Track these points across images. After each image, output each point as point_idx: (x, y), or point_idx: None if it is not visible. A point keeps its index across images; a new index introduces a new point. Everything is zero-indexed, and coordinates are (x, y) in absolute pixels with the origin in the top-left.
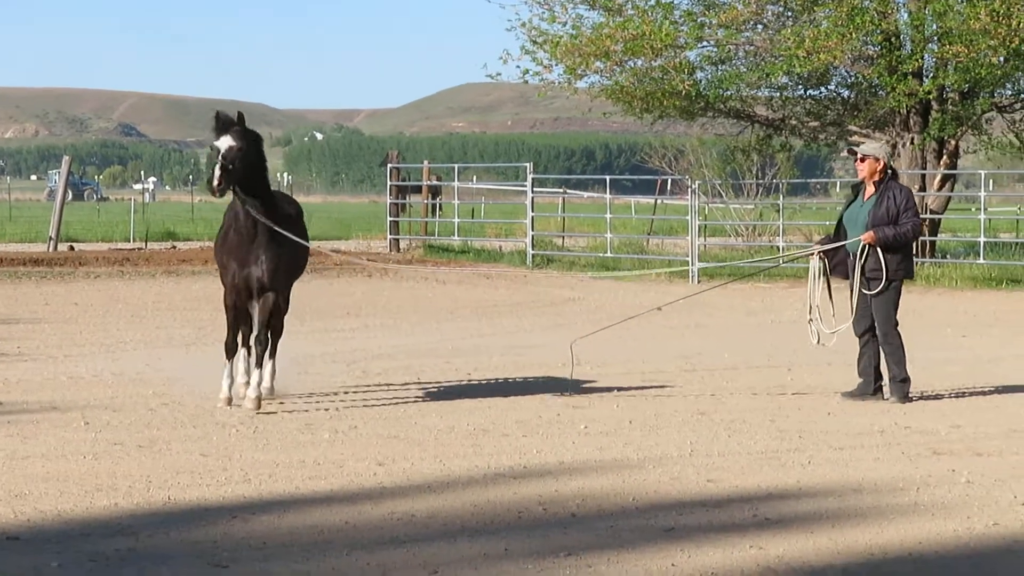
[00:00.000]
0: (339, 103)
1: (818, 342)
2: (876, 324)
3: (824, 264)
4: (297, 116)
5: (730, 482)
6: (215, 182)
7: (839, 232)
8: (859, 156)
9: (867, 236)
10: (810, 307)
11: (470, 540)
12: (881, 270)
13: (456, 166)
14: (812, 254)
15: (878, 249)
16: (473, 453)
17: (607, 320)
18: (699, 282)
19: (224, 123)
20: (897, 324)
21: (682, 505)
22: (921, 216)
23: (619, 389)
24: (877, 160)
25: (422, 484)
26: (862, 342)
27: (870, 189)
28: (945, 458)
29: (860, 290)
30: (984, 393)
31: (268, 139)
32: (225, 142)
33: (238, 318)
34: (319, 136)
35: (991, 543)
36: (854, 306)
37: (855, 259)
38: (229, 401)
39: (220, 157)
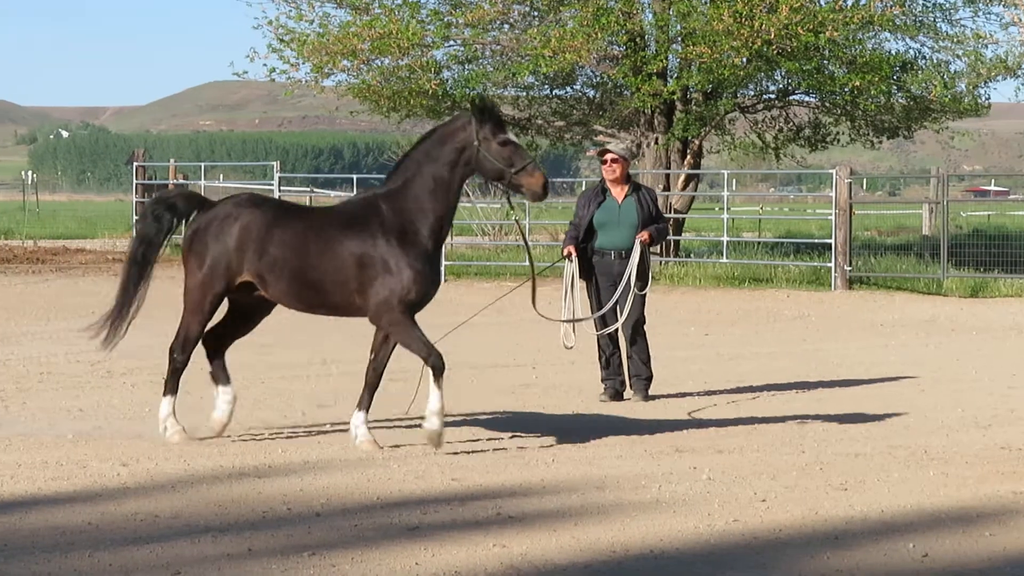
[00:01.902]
0: (85, 100)
1: (571, 345)
2: (632, 322)
3: (578, 266)
4: (42, 114)
5: (474, 480)
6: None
7: (590, 234)
8: (614, 157)
9: (645, 235)
10: (564, 309)
11: (214, 540)
12: (646, 269)
13: (203, 164)
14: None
15: (647, 248)
16: (218, 453)
17: (355, 320)
18: (446, 280)
19: (496, 112)
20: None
21: (426, 503)
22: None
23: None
24: (627, 161)
25: (166, 484)
26: (614, 342)
27: (621, 190)
28: (687, 455)
29: (635, 289)
30: (725, 391)
31: (13, 137)
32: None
33: None
34: (65, 134)
35: (731, 539)
36: (628, 305)
37: (625, 258)
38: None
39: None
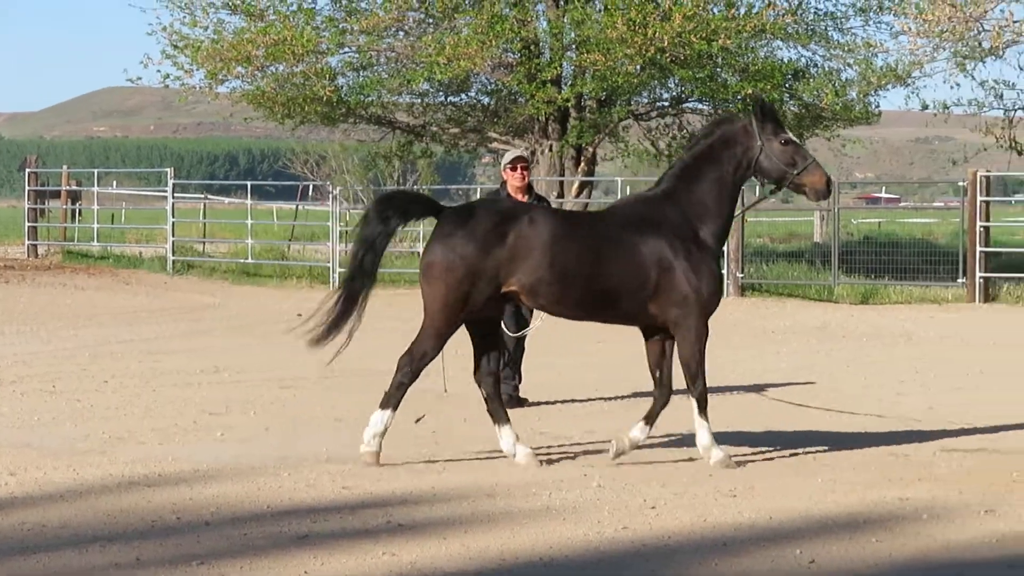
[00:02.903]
0: None
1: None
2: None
3: None
4: None
5: (365, 488)
6: None
7: None
8: (524, 164)
9: None
10: None
11: (102, 549)
12: None
13: (97, 171)
14: None
15: None
16: (107, 462)
17: (247, 327)
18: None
19: (776, 112)
20: None
21: (316, 512)
22: None
23: (256, 397)
24: (530, 169)
25: (54, 493)
26: (511, 348)
27: (523, 197)
28: (578, 462)
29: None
30: (619, 398)
31: None
32: (793, 137)
33: None
34: None
35: (620, 546)
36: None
37: None
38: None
39: None
